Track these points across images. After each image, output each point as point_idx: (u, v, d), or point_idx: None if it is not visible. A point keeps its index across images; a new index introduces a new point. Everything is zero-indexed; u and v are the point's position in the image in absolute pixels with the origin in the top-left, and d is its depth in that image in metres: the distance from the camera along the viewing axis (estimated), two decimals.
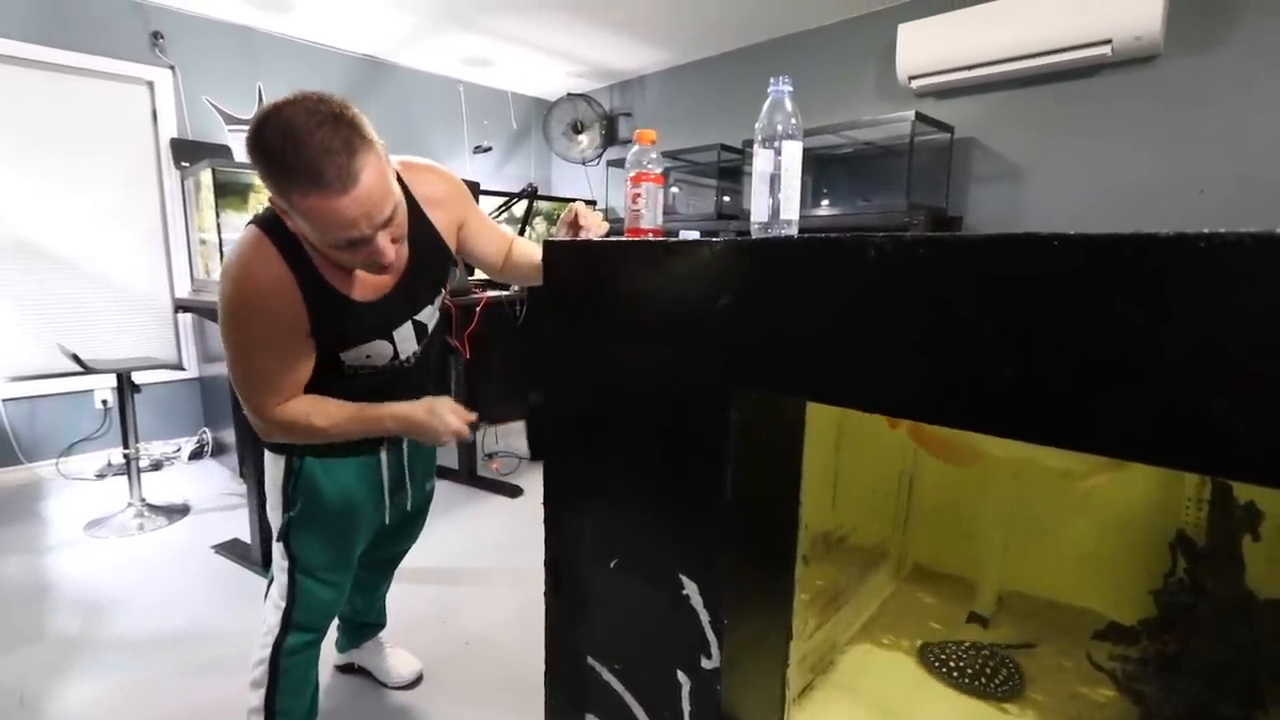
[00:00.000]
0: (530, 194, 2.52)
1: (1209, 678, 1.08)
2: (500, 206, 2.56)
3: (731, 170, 3.31)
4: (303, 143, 0.75)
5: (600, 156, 4.15)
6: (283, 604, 1.04)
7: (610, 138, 4.14)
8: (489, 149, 4.01)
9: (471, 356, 2.46)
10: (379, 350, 1.00)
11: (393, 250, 0.87)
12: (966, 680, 1.13)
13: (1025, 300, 0.48)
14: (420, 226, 0.99)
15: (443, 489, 2.64)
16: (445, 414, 1.00)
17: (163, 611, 1.70)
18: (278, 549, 1.04)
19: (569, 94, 4.08)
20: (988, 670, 1.15)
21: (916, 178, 2.61)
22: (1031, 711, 1.19)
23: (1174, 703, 1.07)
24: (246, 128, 3.18)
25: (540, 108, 4.37)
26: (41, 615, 1.68)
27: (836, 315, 0.59)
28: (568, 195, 4.03)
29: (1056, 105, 2.47)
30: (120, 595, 1.78)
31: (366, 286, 0.95)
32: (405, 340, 1.03)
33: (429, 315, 1.07)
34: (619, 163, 3.91)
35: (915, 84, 2.69)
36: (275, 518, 1.05)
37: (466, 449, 2.73)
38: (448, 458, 2.82)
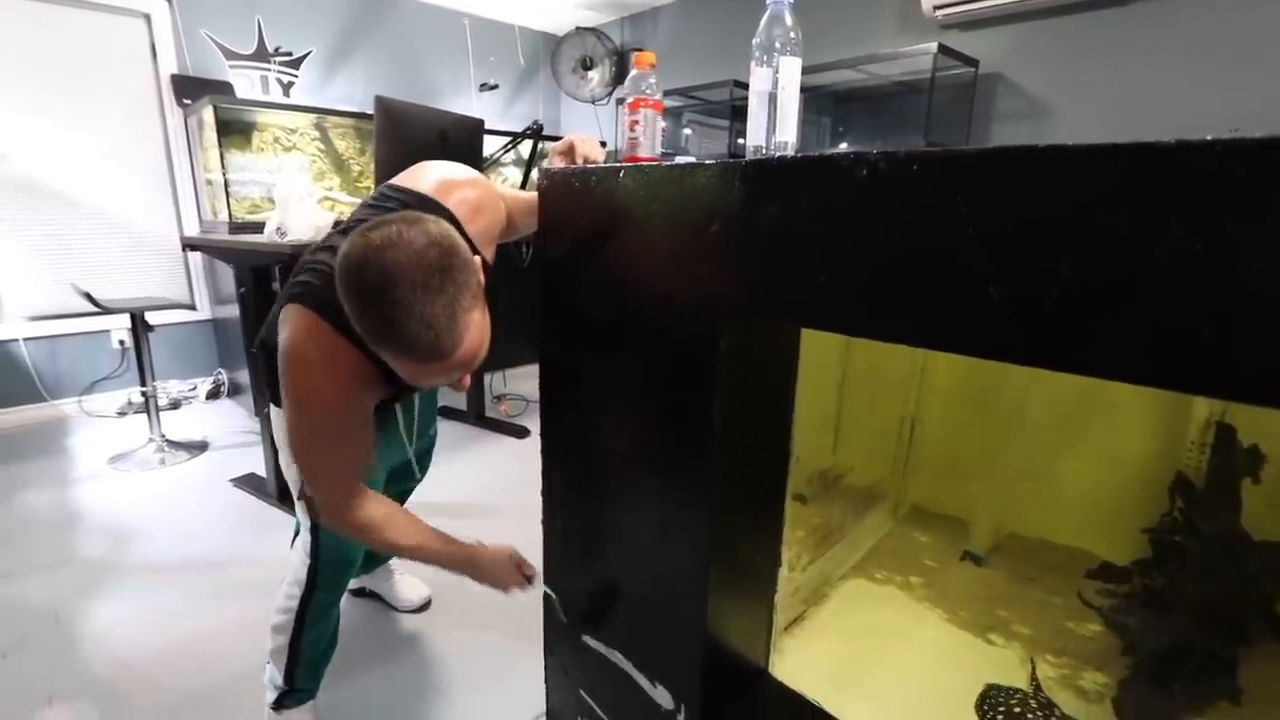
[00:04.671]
0: (535, 133, 2.46)
1: (1193, 613, 1.10)
2: (504, 146, 2.50)
3: (745, 109, 3.19)
4: (402, 312, 0.69)
5: (610, 95, 4.01)
6: (309, 561, 1.04)
7: (620, 75, 4.00)
8: (495, 87, 3.89)
9: None
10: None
11: (469, 377, 0.84)
12: None
13: (1021, 216, 0.46)
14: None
15: (452, 429, 2.69)
16: (512, 570, 0.99)
17: (185, 539, 1.78)
18: (300, 506, 1.04)
19: (578, 28, 3.92)
20: None
21: (936, 116, 2.50)
22: (1018, 643, 1.22)
23: (1156, 636, 1.09)
24: (248, 63, 3.04)
25: (548, 43, 4.20)
26: (72, 542, 1.77)
27: (829, 237, 0.57)
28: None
29: (1088, 37, 2.33)
30: (145, 524, 1.86)
31: None
32: None
33: None
34: None
35: (940, 14, 2.55)
36: (292, 474, 1.03)
37: (475, 391, 2.77)
38: (457, 400, 2.87)
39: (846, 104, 3.01)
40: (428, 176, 0.94)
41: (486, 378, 2.89)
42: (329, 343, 0.81)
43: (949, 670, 1.14)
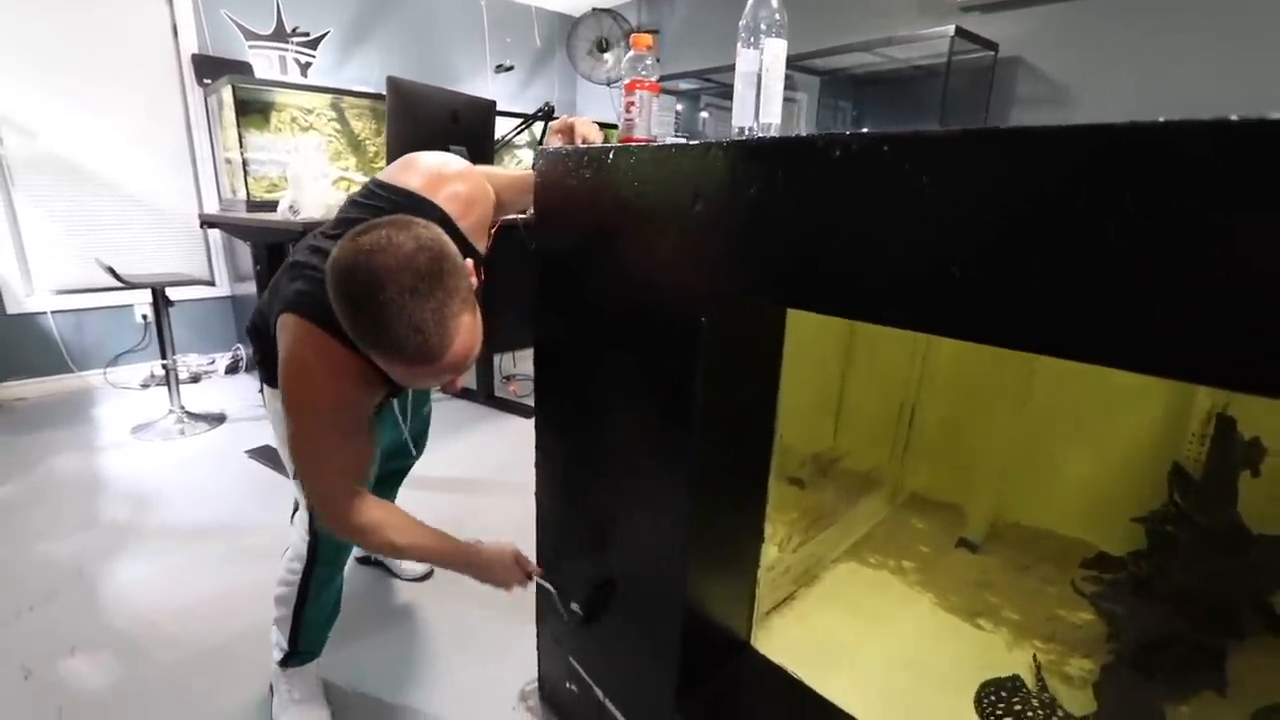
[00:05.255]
0: (546, 115, 2.46)
1: (1181, 603, 1.10)
2: (516, 128, 2.51)
3: None
4: (391, 316, 0.69)
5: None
6: (308, 538, 1.05)
7: None
8: (511, 68, 3.88)
9: (488, 278, 2.48)
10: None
11: (460, 379, 0.84)
12: None
13: (981, 197, 0.47)
14: (470, 254, 0.94)
15: (461, 408, 2.74)
16: (513, 568, 0.97)
17: (202, 506, 1.85)
18: (298, 485, 1.04)
19: (594, 9, 3.89)
20: None
21: (955, 101, 2.46)
22: (1006, 629, 1.24)
23: (1140, 623, 1.10)
24: (266, 43, 3.07)
25: (564, 24, 4.18)
26: (96, 506, 1.85)
27: (804, 217, 0.59)
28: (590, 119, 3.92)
29: (1112, 20, 2.27)
30: (164, 491, 1.93)
31: None
32: None
33: None
34: None
35: None
36: (287, 454, 1.04)
37: (485, 371, 2.81)
38: (468, 379, 2.93)
39: (865, 88, 2.97)
40: (417, 172, 0.93)
41: (496, 359, 2.93)
42: (327, 350, 0.81)
43: (934, 652, 1.16)
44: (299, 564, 1.06)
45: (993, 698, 1.02)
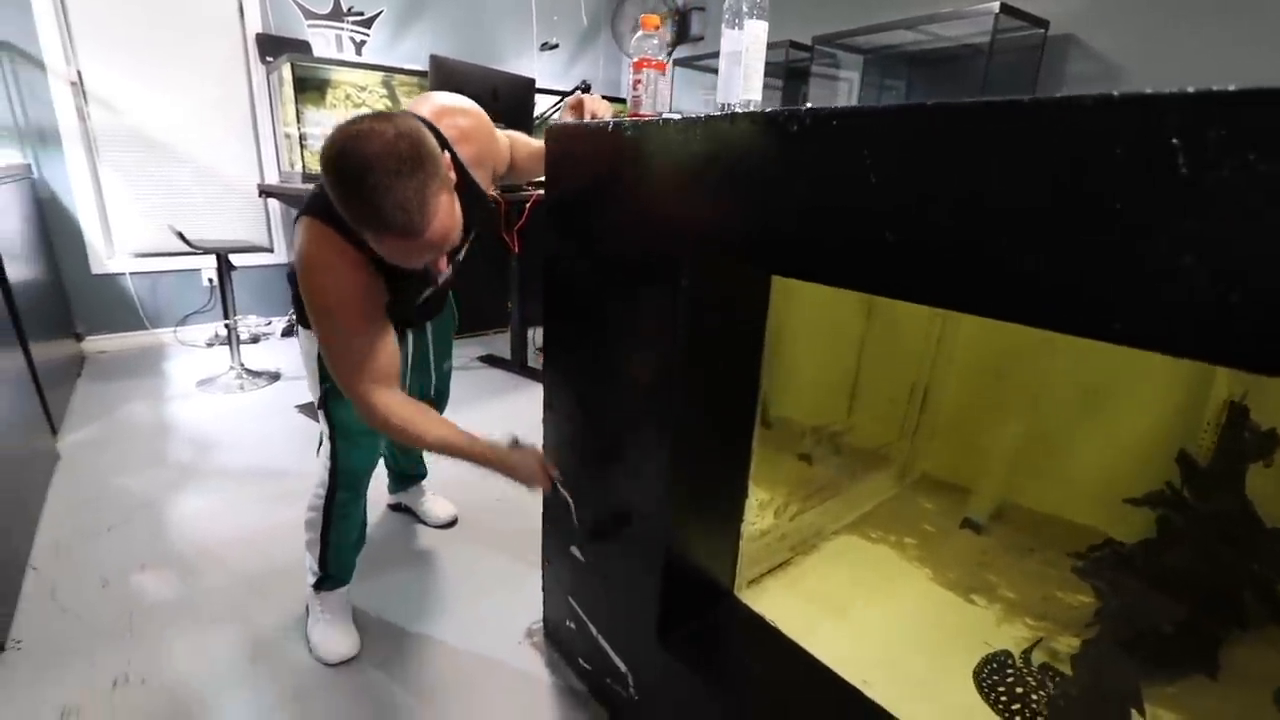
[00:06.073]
0: (583, 93, 2.52)
1: (1176, 586, 1.10)
2: (554, 105, 2.58)
3: (801, 71, 3.13)
4: (379, 194, 0.77)
5: (670, 56, 3.99)
6: (329, 464, 1.16)
7: (682, 34, 3.97)
8: (555, 46, 3.93)
9: (522, 252, 2.58)
10: (423, 293, 1.12)
11: (446, 261, 0.94)
12: None
13: (907, 167, 0.51)
14: (466, 183, 1.01)
15: (495, 376, 2.87)
16: (539, 470, 1.05)
17: (255, 452, 2.03)
18: (320, 415, 1.16)
19: None
20: None
21: (1000, 81, 2.39)
22: (999, 605, 1.26)
23: (1130, 603, 1.11)
24: (324, 22, 3.20)
25: (611, 2, 4.20)
26: (164, 447, 2.05)
27: (768, 185, 0.64)
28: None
29: None
30: (223, 438, 2.13)
31: None
32: (443, 274, 1.13)
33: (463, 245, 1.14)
34: (689, 62, 3.77)
35: None
36: (314, 387, 1.15)
37: (519, 343, 2.93)
38: (503, 350, 3.05)
39: (913, 68, 2.91)
40: (428, 104, 1.03)
41: (530, 331, 3.04)
42: (334, 243, 0.91)
43: (920, 620, 1.20)
44: (323, 490, 1.18)
45: (989, 678, 1.04)
